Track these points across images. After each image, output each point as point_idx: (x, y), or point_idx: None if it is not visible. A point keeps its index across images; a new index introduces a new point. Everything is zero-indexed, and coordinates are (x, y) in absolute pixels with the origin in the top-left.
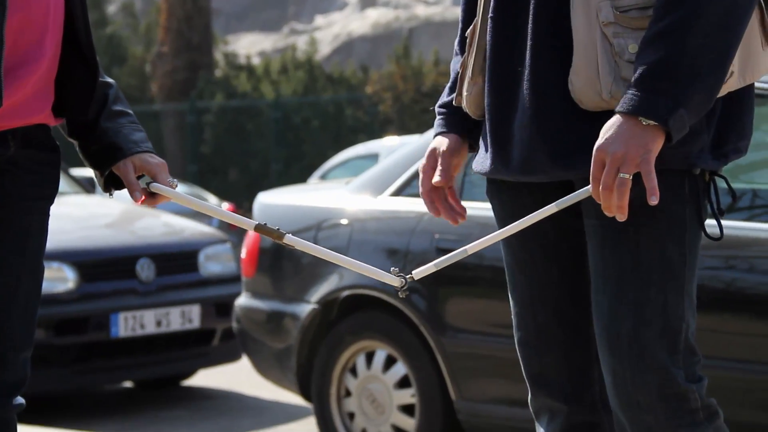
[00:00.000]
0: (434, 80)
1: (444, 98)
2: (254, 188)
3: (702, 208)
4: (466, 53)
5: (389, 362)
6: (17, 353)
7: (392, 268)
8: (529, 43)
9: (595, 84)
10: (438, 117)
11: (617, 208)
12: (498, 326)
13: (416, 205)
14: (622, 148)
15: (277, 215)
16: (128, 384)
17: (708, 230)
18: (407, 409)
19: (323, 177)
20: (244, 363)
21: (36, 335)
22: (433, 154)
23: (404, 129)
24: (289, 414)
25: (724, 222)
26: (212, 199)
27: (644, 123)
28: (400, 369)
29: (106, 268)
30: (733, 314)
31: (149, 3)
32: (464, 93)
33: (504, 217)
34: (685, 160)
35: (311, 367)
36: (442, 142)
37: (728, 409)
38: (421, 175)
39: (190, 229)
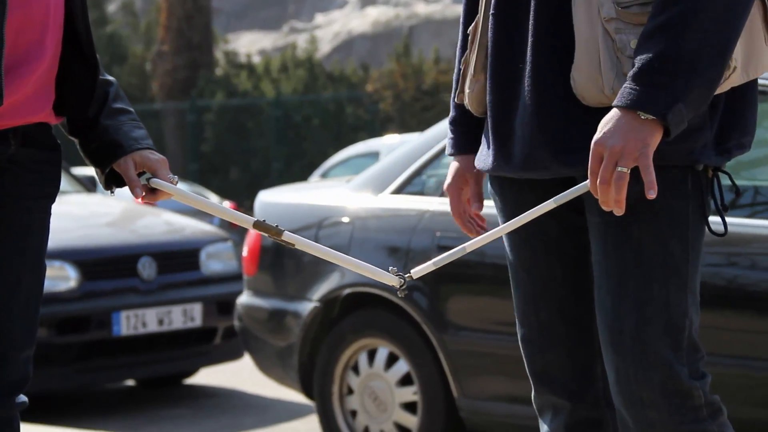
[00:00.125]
0: (434, 78)
1: (453, 112)
2: (255, 187)
3: (705, 205)
4: (467, 50)
5: (391, 360)
6: (19, 352)
7: (390, 268)
8: (530, 39)
9: (597, 80)
10: (451, 135)
11: (615, 202)
12: (500, 324)
13: (417, 203)
14: (620, 142)
15: (278, 213)
16: (130, 382)
17: (712, 227)
18: (409, 407)
19: (324, 175)
20: (246, 361)
21: (38, 334)
22: (458, 178)
23: (405, 127)
24: (291, 412)
25: (726, 218)
26: (213, 198)
27: (642, 117)
28: (402, 367)
29: (108, 267)
30: (735, 311)
31: (149, 2)
32: (466, 90)
33: (506, 213)
34: (688, 156)
35: (313, 365)
36: (467, 166)
37: (730, 406)
38: (449, 198)
39: (191, 227)
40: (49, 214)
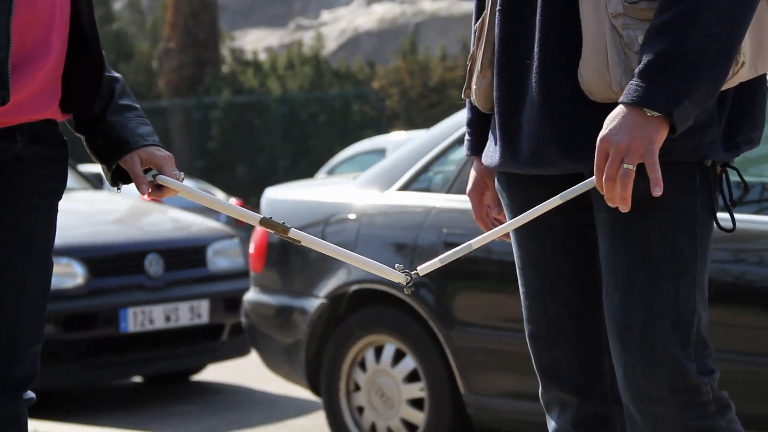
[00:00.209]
0: (441, 75)
1: (469, 113)
2: (261, 184)
3: (713, 201)
4: (474, 47)
5: (398, 356)
6: (26, 348)
7: (397, 264)
8: (537, 35)
9: (604, 76)
10: (468, 136)
11: (620, 199)
12: (507, 320)
13: (424, 200)
14: (626, 139)
15: (284, 210)
16: (137, 379)
17: (721, 223)
18: (416, 403)
19: (330, 172)
20: (253, 358)
21: (45, 331)
22: (479, 183)
23: (411, 124)
24: (298, 408)
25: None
26: (219, 195)
27: (648, 114)
28: (408, 363)
29: (115, 264)
30: (743, 307)
31: None
32: (473, 86)
33: (513, 210)
34: (696, 152)
35: (320, 362)
36: (486, 170)
37: (737, 402)
38: (471, 202)
39: (198, 224)
40: (56, 210)
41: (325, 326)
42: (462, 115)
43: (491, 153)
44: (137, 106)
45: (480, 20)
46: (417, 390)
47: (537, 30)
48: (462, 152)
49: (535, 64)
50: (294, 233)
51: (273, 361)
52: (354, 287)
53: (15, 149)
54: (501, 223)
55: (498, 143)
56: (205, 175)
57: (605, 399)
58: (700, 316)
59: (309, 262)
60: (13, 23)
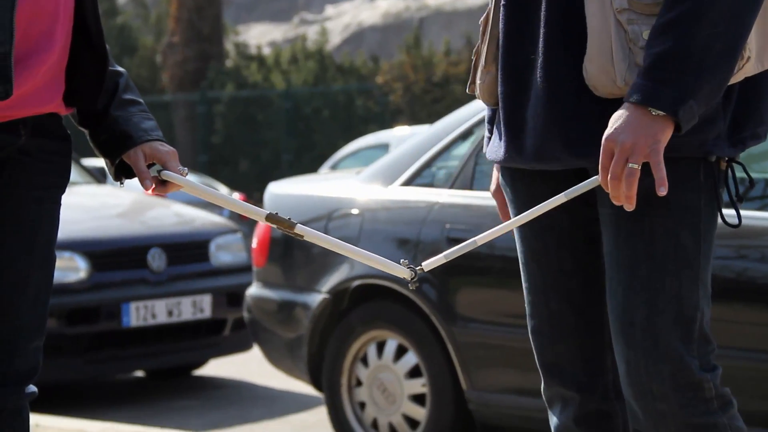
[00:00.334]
0: (445, 70)
1: (489, 111)
2: (265, 178)
3: (718, 197)
4: (479, 41)
5: (400, 352)
6: (28, 342)
7: (402, 260)
8: (541, 30)
9: (609, 71)
10: (488, 134)
11: (625, 198)
12: (509, 316)
13: (427, 195)
14: (631, 138)
15: (287, 205)
16: (139, 373)
17: (727, 219)
18: (418, 399)
19: (334, 167)
20: (255, 353)
21: (47, 325)
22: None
23: (415, 119)
24: (300, 403)
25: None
26: (223, 189)
27: (653, 113)
28: (411, 359)
29: (118, 258)
30: (745, 304)
31: None
32: (478, 81)
33: (518, 205)
34: (700, 148)
35: (322, 357)
36: None
37: (741, 399)
38: (496, 202)
39: (200, 218)
40: (59, 204)
41: (327, 321)
42: (465, 110)
43: (496, 148)
44: (141, 100)
45: (485, 15)
46: (419, 385)
47: (541, 25)
48: (465, 148)
49: (540, 59)
50: (300, 229)
51: (275, 356)
52: (356, 282)
53: (18, 143)
54: None
55: (503, 138)
56: (209, 170)
57: (607, 395)
58: (703, 312)
59: (312, 257)
60: (17, 16)
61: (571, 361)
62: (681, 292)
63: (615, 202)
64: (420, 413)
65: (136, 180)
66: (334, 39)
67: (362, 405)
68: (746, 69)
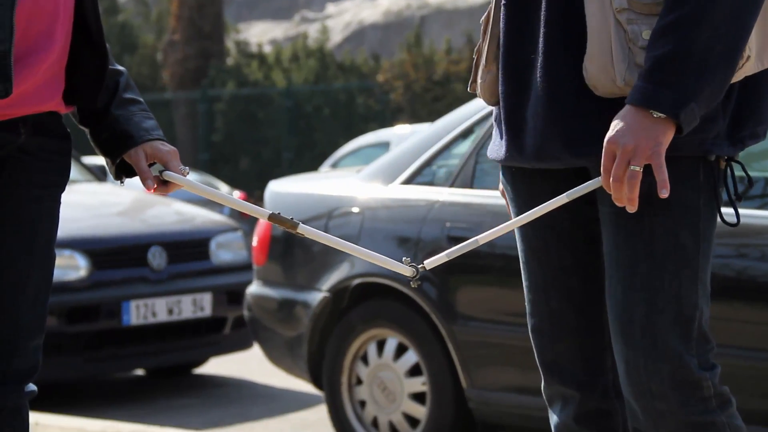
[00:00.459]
0: (445, 68)
1: (497, 110)
2: (265, 176)
3: (717, 196)
4: (480, 40)
5: (400, 350)
6: (28, 341)
7: (404, 258)
8: (541, 30)
9: (609, 71)
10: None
11: (628, 200)
12: (509, 314)
13: (427, 194)
14: (633, 141)
15: (288, 203)
16: (140, 372)
17: (726, 217)
18: (418, 397)
19: (334, 165)
20: (256, 351)
21: (48, 323)
22: None
23: (415, 117)
24: (300, 402)
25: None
26: (223, 188)
27: (655, 116)
28: (411, 357)
29: (118, 256)
30: (745, 302)
31: None
32: (479, 80)
33: (518, 204)
34: (700, 147)
35: (322, 355)
36: None
37: (739, 398)
38: (505, 200)
39: (201, 217)
40: (59, 203)
41: (327, 320)
42: (466, 109)
43: (497, 147)
44: (141, 99)
45: (486, 14)
46: (419, 384)
47: (541, 25)
48: (466, 146)
49: (540, 59)
50: (303, 229)
51: (275, 355)
52: (357, 281)
53: (18, 141)
54: None
55: (504, 137)
56: (210, 168)
57: (607, 394)
58: (702, 312)
59: (312, 255)
60: (17, 15)
61: (571, 360)
62: (680, 291)
63: (617, 204)
64: (420, 412)
65: (136, 178)
66: (335, 37)
67: (362, 403)
68: (746, 68)
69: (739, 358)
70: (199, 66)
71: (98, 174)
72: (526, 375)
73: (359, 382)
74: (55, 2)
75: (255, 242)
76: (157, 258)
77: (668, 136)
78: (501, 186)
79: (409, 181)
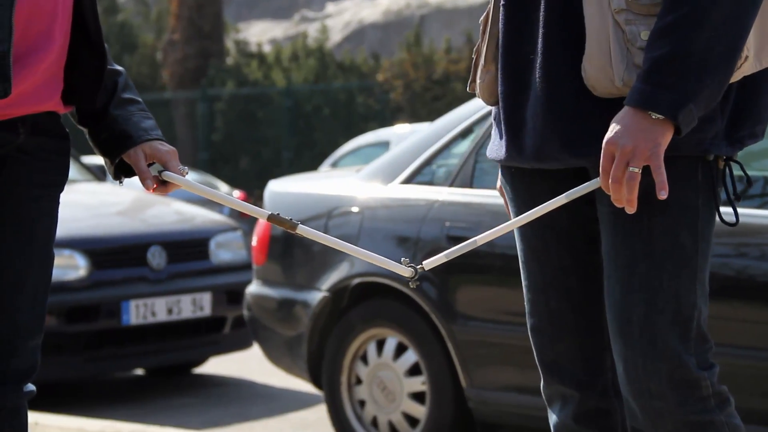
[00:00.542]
0: (445, 68)
1: (496, 109)
2: (265, 176)
3: (716, 196)
4: (479, 40)
5: (400, 350)
6: (27, 341)
7: (403, 259)
8: (540, 30)
9: (607, 71)
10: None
11: (626, 201)
12: (509, 314)
13: (427, 193)
14: (632, 142)
15: (287, 203)
16: (139, 371)
17: (724, 217)
18: (418, 397)
19: (334, 165)
20: (255, 351)
21: (47, 323)
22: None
23: (415, 117)
24: (300, 401)
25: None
26: (223, 187)
27: (653, 117)
28: (410, 357)
29: (118, 256)
30: (744, 302)
31: None
32: (477, 80)
33: (518, 204)
34: (698, 147)
35: (322, 355)
36: None
37: (739, 397)
38: (502, 198)
39: (201, 216)
40: (58, 202)
41: (327, 319)
42: (465, 108)
43: (497, 147)
44: (140, 99)
45: (485, 14)
46: (419, 384)
47: (541, 24)
48: (465, 146)
49: (539, 59)
50: (302, 229)
51: (275, 354)
52: (356, 280)
53: (17, 141)
54: None
55: (503, 138)
56: (209, 168)
57: (606, 393)
58: (701, 311)
59: (311, 255)
60: (16, 15)
61: (570, 360)
62: (679, 290)
63: (616, 204)
64: (420, 411)
65: (135, 178)
66: (335, 36)
67: (362, 403)
68: (744, 68)
69: (739, 357)
70: (199, 65)
71: (98, 174)
72: (526, 375)
73: (359, 381)
74: (54, 2)
75: (254, 242)
76: (156, 258)
77: (667, 138)
78: (499, 183)
79: (408, 180)
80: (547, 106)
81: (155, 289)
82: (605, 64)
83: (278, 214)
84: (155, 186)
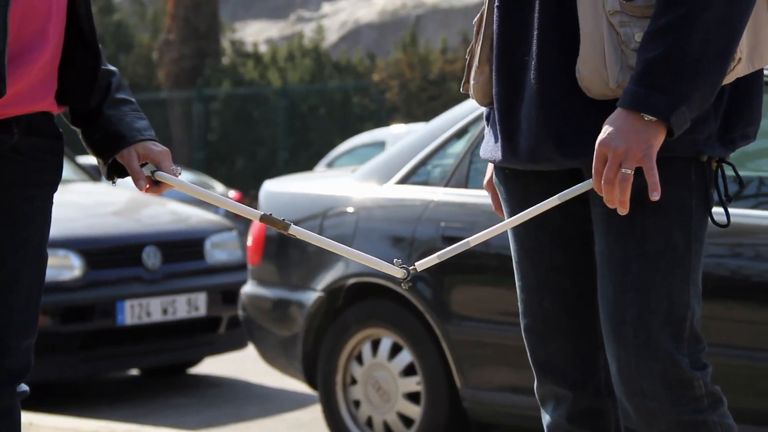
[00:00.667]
0: (441, 68)
1: (488, 110)
2: (261, 176)
3: (709, 196)
4: (473, 41)
5: (395, 350)
6: (20, 341)
7: (395, 260)
8: (535, 32)
9: (602, 73)
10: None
11: (619, 203)
12: (503, 314)
13: (422, 193)
14: (624, 144)
15: (283, 203)
16: (134, 372)
17: (716, 218)
18: (413, 397)
19: (330, 165)
20: (250, 351)
21: (42, 323)
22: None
23: (411, 117)
24: (295, 401)
25: (730, 209)
26: (219, 187)
27: (646, 119)
28: (405, 357)
29: (113, 256)
30: (738, 302)
31: None
32: (471, 81)
33: (512, 204)
34: (692, 147)
35: (317, 355)
36: None
37: (732, 397)
38: (489, 194)
39: (196, 216)
40: (51, 202)
41: (322, 319)
42: (461, 109)
43: (491, 149)
44: (133, 100)
45: (479, 15)
46: (413, 384)
47: (535, 26)
48: (460, 146)
49: (533, 61)
50: (294, 230)
51: (270, 355)
52: (351, 281)
53: (11, 141)
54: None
55: (498, 139)
56: (205, 168)
57: (600, 392)
58: (694, 311)
59: (306, 255)
60: (11, 14)
61: (564, 360)
62: (672, 291)
63: (609, 205)
64: (414, 411)
65: (128, 178)
66: (331, 36)
67: (357, 403)
68: (737, 70)
69: (732, 357)
70: (195, 65)
71: (93, 174)
72: (520, 375)
73: (354, 381)
74: (48, 2)
75: (250, 242)
76: (151, 258)
77: (659, 139)
78: (486, 179)
79: (404, 180)
80: (541, 108)
81: (150, 289)
82: (599, 65)
83: (271, 214)
84: (148, 186)
